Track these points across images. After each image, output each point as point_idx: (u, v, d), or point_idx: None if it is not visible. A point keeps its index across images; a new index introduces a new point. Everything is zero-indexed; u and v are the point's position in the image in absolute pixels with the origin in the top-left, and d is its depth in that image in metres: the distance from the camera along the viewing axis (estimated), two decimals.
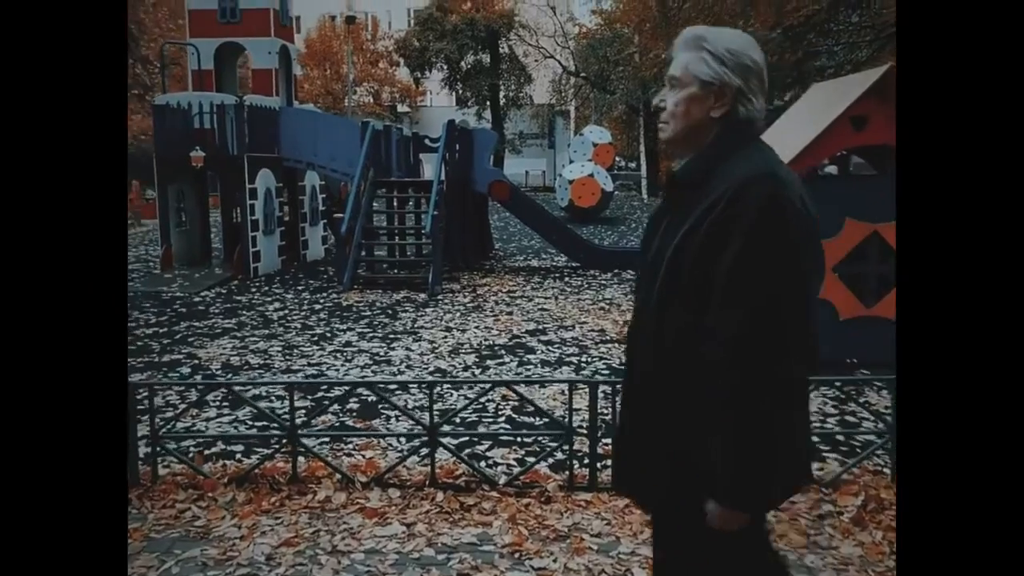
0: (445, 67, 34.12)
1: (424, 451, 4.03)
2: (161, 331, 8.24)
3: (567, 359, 7.01)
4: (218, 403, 5.54)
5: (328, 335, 8.11)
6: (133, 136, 24.29)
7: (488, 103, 34.84)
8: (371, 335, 8.09)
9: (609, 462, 3.68)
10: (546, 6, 32.61)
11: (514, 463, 4.43)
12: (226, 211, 13.43)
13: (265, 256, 12.65)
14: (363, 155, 11.76)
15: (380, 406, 5.44)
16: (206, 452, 4.58)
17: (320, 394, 5.74)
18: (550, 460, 4.26)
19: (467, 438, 4.72)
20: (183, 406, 5.23)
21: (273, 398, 5.63)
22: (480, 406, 5.37)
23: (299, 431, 4.14)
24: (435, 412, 4.08)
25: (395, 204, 13.15)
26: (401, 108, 40.13)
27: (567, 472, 3.95)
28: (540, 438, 4.59)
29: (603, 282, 11.54)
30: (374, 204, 12.49)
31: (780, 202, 1.55)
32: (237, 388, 4.77)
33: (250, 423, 5.17)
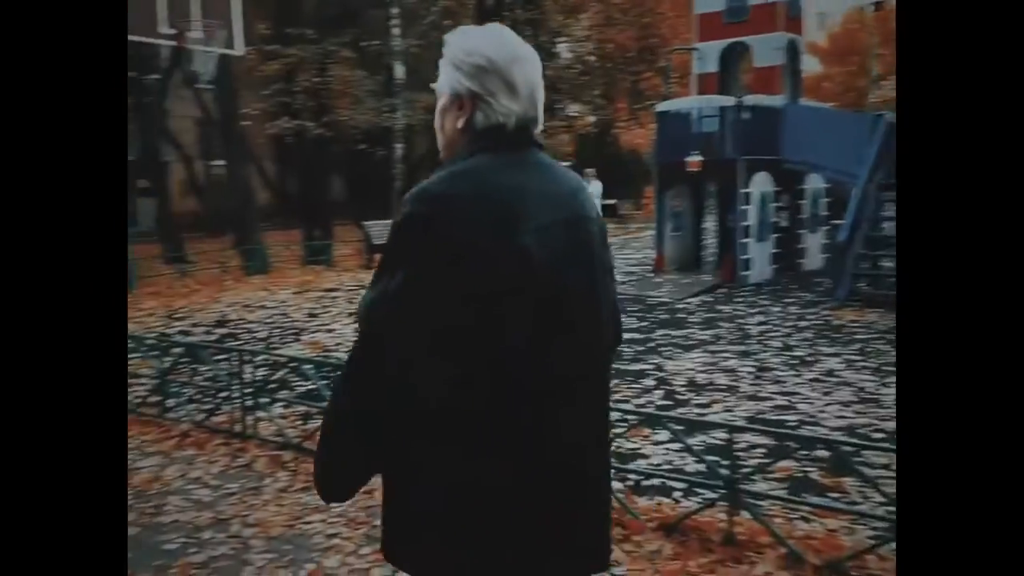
0: None
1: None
2: (637, 338, 8.21)
3: None
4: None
5: (809, 359, 7.15)
6: (651, 144, 25.80)
7: None
8: (861, 364, 6.89)
9: None
10: None
11: None
12: (721, 216, 13.22)
13: (756, 264, 12.21)
14: (873, 153, 10.39)
15: (855, 460, 4.41)
16: (645, 483, 4.20)
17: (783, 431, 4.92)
18: None
19: None
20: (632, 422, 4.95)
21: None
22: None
23: (738, 482, 3.49)
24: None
25: None
26: None
27: None
28: None
29: None
30: (883, 209, 10.93)
31: (405, 223, 1.34)
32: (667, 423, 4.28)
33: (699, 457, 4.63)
